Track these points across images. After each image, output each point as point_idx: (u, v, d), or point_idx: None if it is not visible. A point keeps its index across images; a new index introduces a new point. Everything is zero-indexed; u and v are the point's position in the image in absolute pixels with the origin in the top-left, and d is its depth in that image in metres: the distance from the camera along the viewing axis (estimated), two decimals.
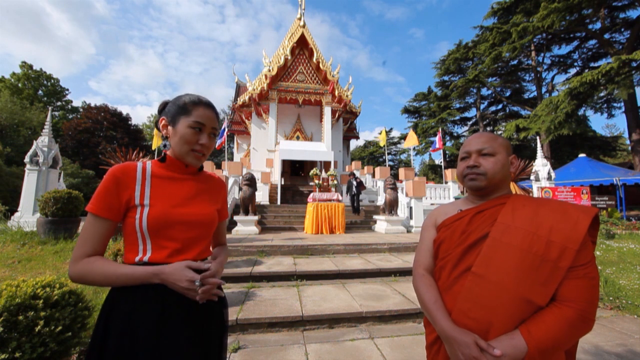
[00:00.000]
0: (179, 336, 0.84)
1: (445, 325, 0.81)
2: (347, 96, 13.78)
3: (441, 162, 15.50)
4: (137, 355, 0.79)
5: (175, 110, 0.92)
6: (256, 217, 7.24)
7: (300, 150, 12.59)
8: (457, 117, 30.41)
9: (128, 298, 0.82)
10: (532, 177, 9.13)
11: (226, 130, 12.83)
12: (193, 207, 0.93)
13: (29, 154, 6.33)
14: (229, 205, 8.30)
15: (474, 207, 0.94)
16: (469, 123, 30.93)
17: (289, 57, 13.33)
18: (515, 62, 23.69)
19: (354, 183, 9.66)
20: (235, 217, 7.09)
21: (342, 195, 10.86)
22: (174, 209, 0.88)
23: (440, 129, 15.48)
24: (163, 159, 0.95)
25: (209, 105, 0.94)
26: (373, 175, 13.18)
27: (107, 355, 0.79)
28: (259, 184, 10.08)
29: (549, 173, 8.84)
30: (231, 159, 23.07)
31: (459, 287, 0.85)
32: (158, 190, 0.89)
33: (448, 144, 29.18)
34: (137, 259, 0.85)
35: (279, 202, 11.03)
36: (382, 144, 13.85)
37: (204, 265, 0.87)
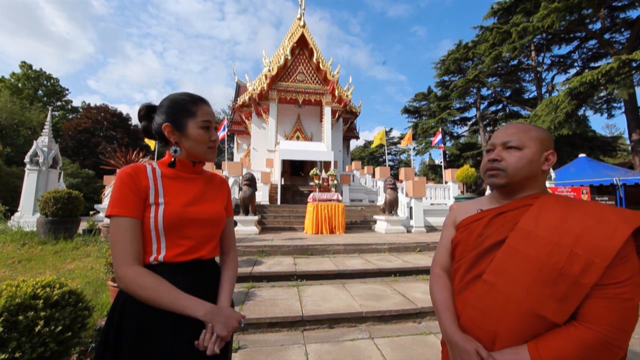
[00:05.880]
0: (193, 337, 0.85)
1: (449, 330, 0.80)
2: (347, 96, 13.78)
3: (441, 162, 15.48)
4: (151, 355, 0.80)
5: (177, 114, 0.92)
6: (256, 217, 7.24)
7: (300, 150, 12.59)
8: (457, 117, 30.34)
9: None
10: None
11: (226, 130, 12.82)
12: (204, 205, 0.94)
13: (29, 154, 6.33)
14: None
15: (495, 207, 0.86)
16: (469, 123, 30.90)
17: (289, 57, 13.32)
18: (515, 62, 23.63)
19: None
20: (235, 217, 7.08)
21: (341, 195, 10.85)
22: (188, 207, 0.90)
23: (440, 129, 15.48)
24: (173, 164, 0.94)
25: (205, 101, 0.97)
26: (373, 175, 13.18)
27: (121, 354, 0.79)
28: (259, 184, 10.08)
29: (549, 173, 8.84)
30: (231, 159, 23.04)
31: (469, 292, 0.81)
32: (170, 189, 0.90)
33: (448, 144, 29.16)
34: (151, 259, 0.85)
35: (279, 202, 11.02)
36: (377, 142, 13.75)
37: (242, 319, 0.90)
